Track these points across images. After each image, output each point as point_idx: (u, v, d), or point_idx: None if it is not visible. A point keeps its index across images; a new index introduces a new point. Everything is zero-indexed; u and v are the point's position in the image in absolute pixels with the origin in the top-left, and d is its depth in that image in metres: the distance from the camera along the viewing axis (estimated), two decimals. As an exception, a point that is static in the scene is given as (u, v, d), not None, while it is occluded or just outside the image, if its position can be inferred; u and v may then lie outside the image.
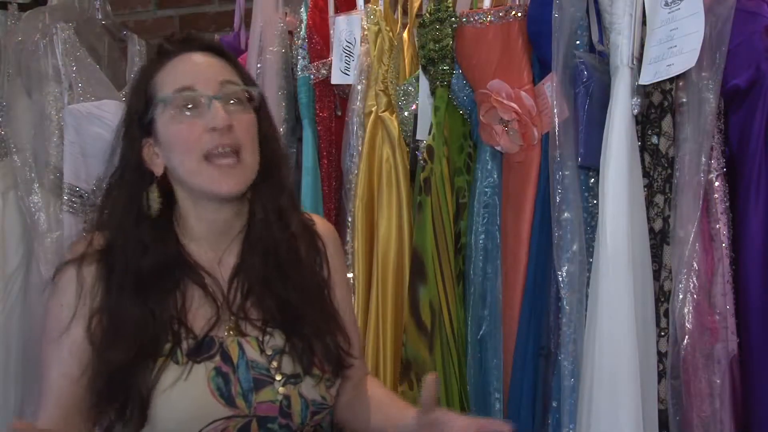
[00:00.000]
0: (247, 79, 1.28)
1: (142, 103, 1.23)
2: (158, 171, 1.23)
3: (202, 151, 1.18)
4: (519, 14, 1.60)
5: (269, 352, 1.21)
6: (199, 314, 1.20)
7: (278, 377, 1.19)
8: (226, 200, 1.23)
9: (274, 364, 1.20)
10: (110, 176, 1.26)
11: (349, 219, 1.85)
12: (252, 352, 1.20)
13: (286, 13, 2.06)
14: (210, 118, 1.18)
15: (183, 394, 1.13)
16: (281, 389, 1.19)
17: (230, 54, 1.30)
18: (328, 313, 1.29)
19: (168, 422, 1.13)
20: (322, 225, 1.39)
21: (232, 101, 1.22)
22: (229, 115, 1.19)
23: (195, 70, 1.22)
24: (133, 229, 1.20)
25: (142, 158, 1.23)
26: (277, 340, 1.22)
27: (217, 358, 1.17)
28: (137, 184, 1.23)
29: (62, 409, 1.17)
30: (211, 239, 1.26)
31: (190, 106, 1.20)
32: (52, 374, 1.18)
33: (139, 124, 1.23)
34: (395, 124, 1.85)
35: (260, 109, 1.28)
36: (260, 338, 1.21)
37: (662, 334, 1.38)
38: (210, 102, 1.19)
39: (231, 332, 1.21)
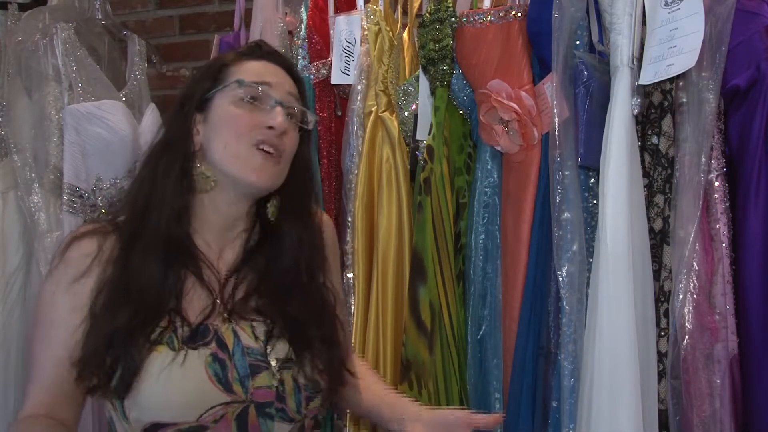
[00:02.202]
0: (307, 104, 1.37)
1: (209, 82, 1.29)
2: (195, 147, 1.27)
3: (252, 140, 1.24)
4: (519, 14, 1.60)
5: (263, 338, 1.22)
6: (194, 302, 1.22)
7: (273, 362, 1.21)
8: (248, 194, 1.28)
9: (269, 349, 1.22)
10: (156, 143, 1.30)
11: (349, 219, 1.85)
12: (247, 339, 1.21)
13: (286, 13, 2.07)
14: (271, 117, 1.25)
15: (181, 380, 1.14)
16: (276, 374, 1.20)
17: (302, 79, 1.39)
18: (329, 334, 1.30)
19: (166, 408, 1.14)
20: (321, 216, 1.43)
21: (290, 115, 1.28)
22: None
23: (271, 74, 1.30)
24: (176, 195, 1.24)
25: (191, 131, 1.27)
26: (270, 327, 1.24)
27: (213, 344, 1.18)
28: (186, 153, 1.26)
29: (50, 395, 1.18)
30: (216, 232, 1.29)
31: (257, 98, 1.26)
32: (41, 359, 1.19)
33: (199, 99, 1.28)
34: (395, 124, 1.85)
35: (305, 136, 1.35)
36: (254, 324, 1.24)
37: (662, 334, 1.38)
38: (275, 105, 1.26)
39: (225, 323, 1.22)
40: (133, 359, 1.13)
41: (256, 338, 1.22)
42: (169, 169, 1.25)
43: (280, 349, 1.23)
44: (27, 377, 1.22)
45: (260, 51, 1.33)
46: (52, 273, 1.22)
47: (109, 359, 1.14)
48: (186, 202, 1.25)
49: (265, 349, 1.21)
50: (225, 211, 1.28)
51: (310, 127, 1.34)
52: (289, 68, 1.35)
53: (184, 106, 1.29)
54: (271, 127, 1.24)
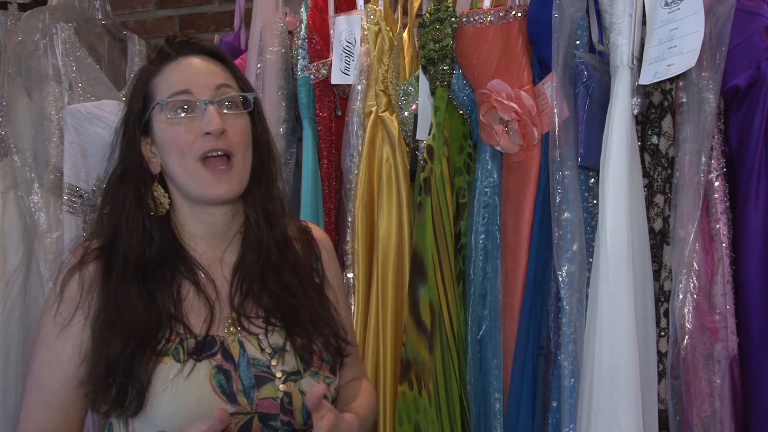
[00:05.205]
0: (243, 84, 1.31)
1: (140, 103, 1.26)
2: (155, 170, 1.27)
3: (197, 154, 1.21)
4: (519, 14, 1.60)
5: (269, 350, 1.22)
6: (194, 311, 1.22)
7: (278, 374, 1.20)
8: (220, 204, 1.26)
9: (274, 361, 1.21)
10: (111, 173, 1.28)
11: (349, 219, 1.85)
12: (253, 350, 1.21)
13: (286, 13, 2.06)
14: (205, 123, 1.21)
15: (186, 392, 1.14)
16: (282, 386, 1.20)
17: (228, 58, 1.33)
18: (323, 304, 1.32)
19: (171, 420, 1.14)
20: (317, 232, 1.43)
21: (226, 105, 1.25)
22: (223, 120, 1.22)
23: (192, 74, 1.25)
24: (139, 221, 1.23)
25: (142, 155, 1.27)
26: (277, 338, 1.24)
27: (219, 356, 1.18)
28: (140, 179, 1.25)
29: (56, 414, 1.19)
30: (209, 240, 1.29)
31: (186, 108, 1.22)
32: (49, 381, 1.20)
33: (138, 123, 1.26)
34: (395, 124, 1.85)
35: (254, 113, 1.30)
36: (260, 336, 1.23)
37: (662, 334, 1.38)
38: (205, 106, 1.22)
39: (231, 329, 1.22)
40: (140, 380, 1.14)
41: (262, 350, 1.22)
42: (132, 199, 1.24)
43: (288, 362, 1.22)
44: (30, 396, 1.22)
45: (175, 49, 1.28)
46: (50, 307, 1.21)
47: (115, 386, 1.14)
48: (154, 224, 1.24)
49: (270, 361, 1.21)
50: (211, 222, 1.28)
51: (251, 107, 1.29)
52: (212, 52, 1.30)
53: (126, 132, 1.27)
54: (208, 133, 1.21)
